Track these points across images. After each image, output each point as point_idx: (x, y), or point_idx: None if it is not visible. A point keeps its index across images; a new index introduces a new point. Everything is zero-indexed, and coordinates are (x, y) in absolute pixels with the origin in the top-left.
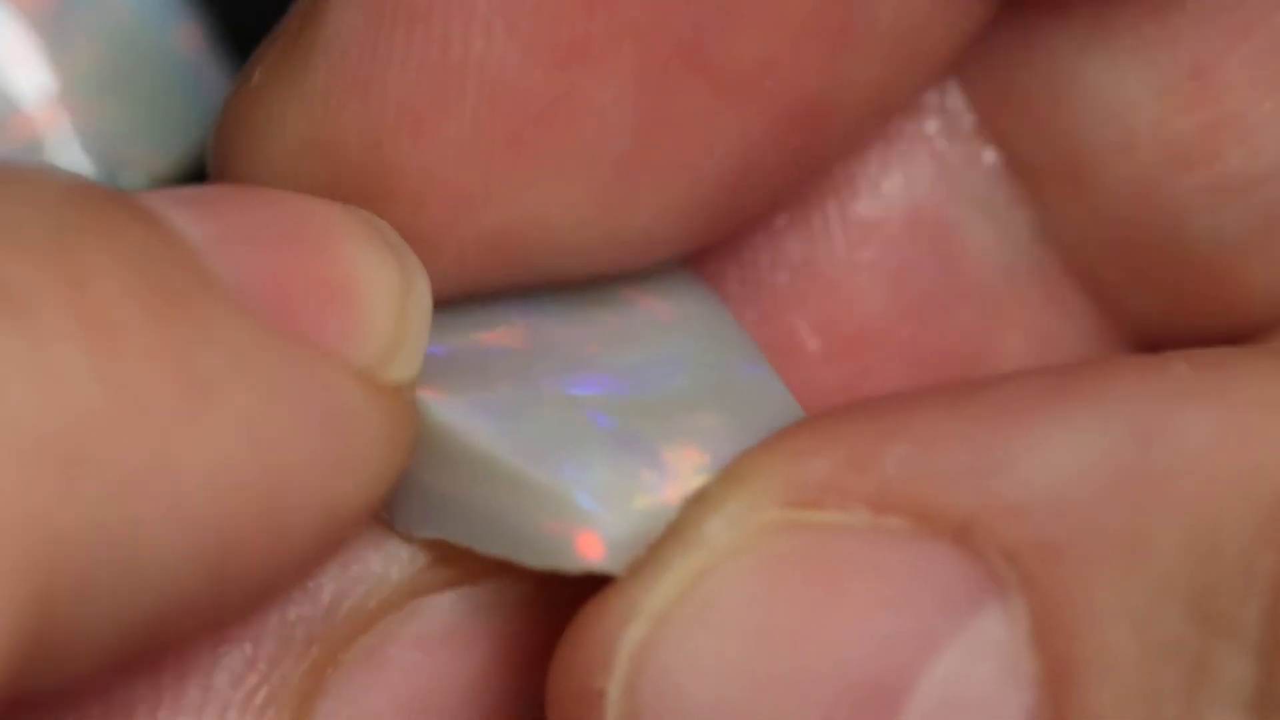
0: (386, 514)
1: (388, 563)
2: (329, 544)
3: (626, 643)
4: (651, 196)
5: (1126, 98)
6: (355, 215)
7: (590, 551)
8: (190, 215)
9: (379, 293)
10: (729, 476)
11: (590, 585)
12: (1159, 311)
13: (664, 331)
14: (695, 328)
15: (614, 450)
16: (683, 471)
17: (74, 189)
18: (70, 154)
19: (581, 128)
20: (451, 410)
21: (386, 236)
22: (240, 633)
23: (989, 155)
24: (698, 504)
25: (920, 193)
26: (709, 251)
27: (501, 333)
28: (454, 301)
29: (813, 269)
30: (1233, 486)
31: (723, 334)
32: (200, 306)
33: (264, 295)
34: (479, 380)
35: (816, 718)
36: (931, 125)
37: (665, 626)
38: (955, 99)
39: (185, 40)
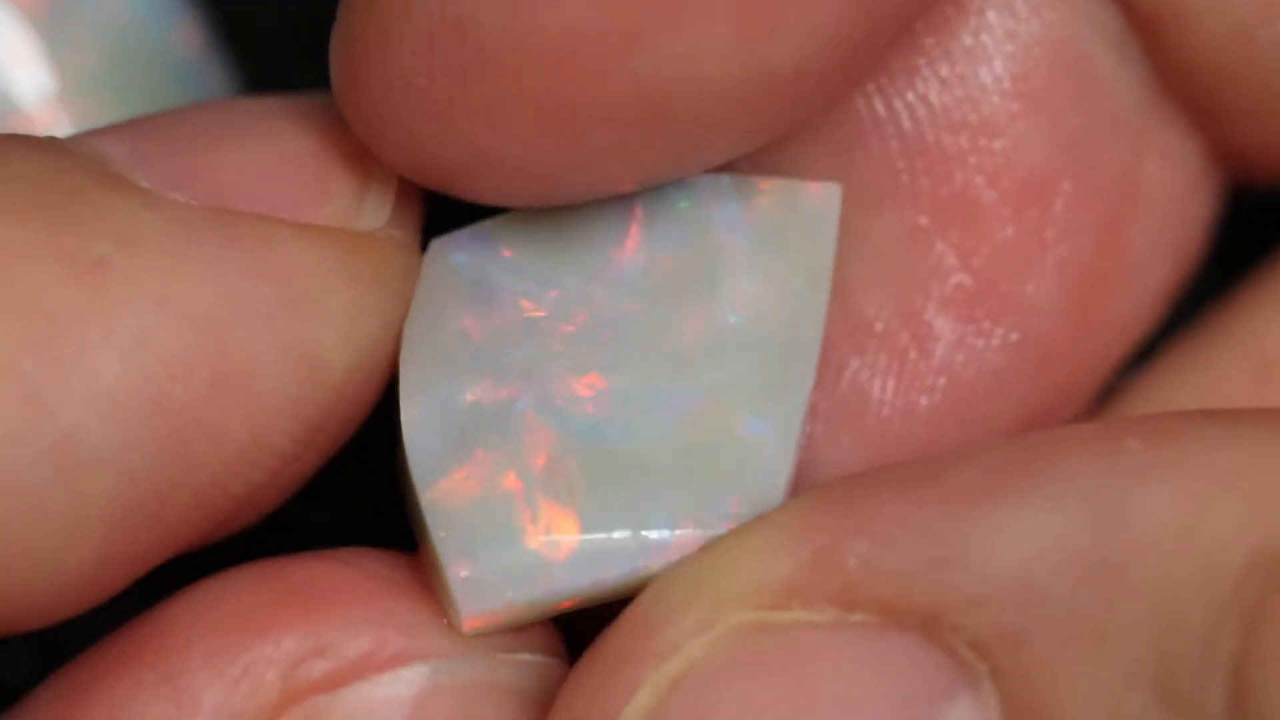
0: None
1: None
2: (326, 388)
3: None
4: (799, 17)
5: None
6: (302, 101)
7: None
8: (107, 137)
9: (330, 159)
10: (694, 579)
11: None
12: (1259, 148)
13: (708, 352)
14: (748, 353)
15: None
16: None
17: None
18: None
19: None
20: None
21: (328, 108)
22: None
23: None
24: (662, 609)
25: (1053, 30)
26: (867, 127)
27: (543, 304)
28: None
29: (972, 123)
30: (1190, 565)
31: (773, 365)
32: (98, 203)
33: (188, 184)
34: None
35: None
36: None
37: None
38: None
39: (185, 40)
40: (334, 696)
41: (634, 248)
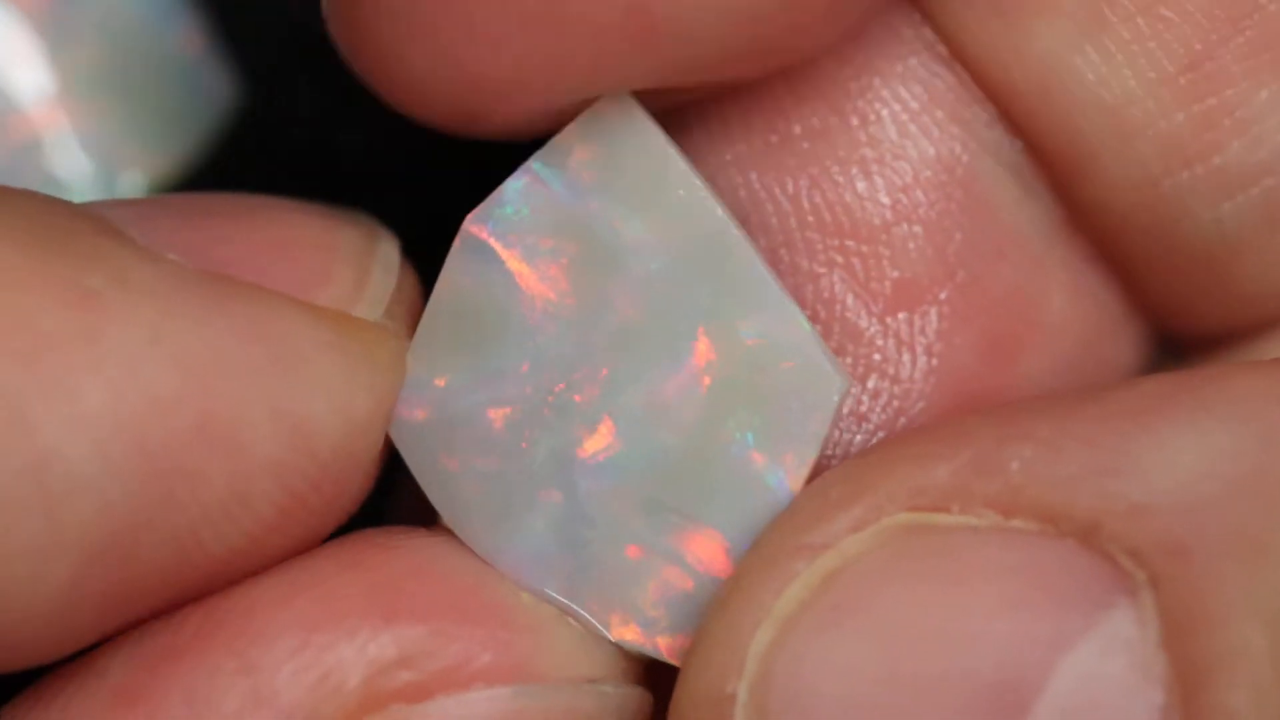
0: None
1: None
2: (312, 458)
3: (756, 645)
4: None
5: (1122, 93)
6: (306, 203)
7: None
8: (110, 204)
9: (332, 250)
10: (852, 481)
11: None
12: (1167, 297)
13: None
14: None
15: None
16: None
17: None
18: (69, 154)
19: None
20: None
21: (348, 214)
22: None
23: (1006, 122)
24: (820, 506)
25: (945, 150)
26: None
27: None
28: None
29: (844, 231)
30: None
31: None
32: (96, 246)
33: (187, 252)
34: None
35: (948, 718)
36: (947, 87)
37: (794, 629)
38: (960, 69)
39: (185, 40)
40: (415, 708)
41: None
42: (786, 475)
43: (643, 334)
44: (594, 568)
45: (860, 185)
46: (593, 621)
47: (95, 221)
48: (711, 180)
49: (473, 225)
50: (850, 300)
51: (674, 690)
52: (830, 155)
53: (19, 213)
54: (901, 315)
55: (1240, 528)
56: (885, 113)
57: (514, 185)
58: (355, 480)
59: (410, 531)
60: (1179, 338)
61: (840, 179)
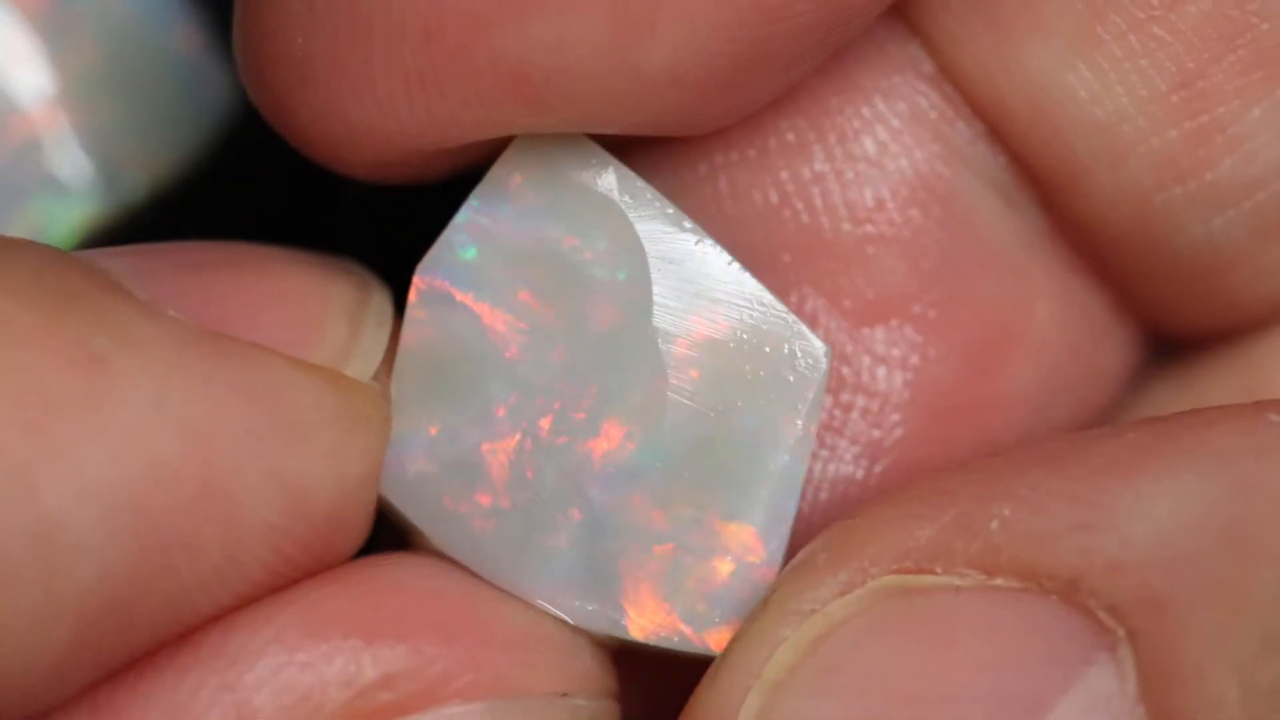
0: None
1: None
2: (305, 521)
3: (747, 711)
4: (673, 26)
5: (1114, 110)
6: (302, 253)
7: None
8: (109, 254)
9: (325, 303)
10: (837, 545)
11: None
12: (1159, 304)
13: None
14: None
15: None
16: None
17: None
18: (69, 154)
19: None
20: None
21: (341, 264)
22: None
23: (991, 138)
24: (807, 573)
25: (925, 167)
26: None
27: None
28: (476, 147)
29: (817, 247)
30: None
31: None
32: (99, 304)
33: (185, 307)
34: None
35: None
36: (929, 104)
37: (784, 693)
38: (948, 86)
39: (185, 40)
40: None
41: None
42: (793, 450)
43: (624, 340)
44: (626, 576)
45: (836, 201)
46: (633, 636)
47: (98, 277)
48: (688, 193)
49: (424, 276)
50: (821, 315)
51: None
52: (808, 170)
53: (24, 266)
54: (877, 329)
55: (1215, 581)
56: (865, 129)
57: (458, 227)
58: (346, 540)
59: (391, 554)
60: (1170, 339)
61: (816, 194)
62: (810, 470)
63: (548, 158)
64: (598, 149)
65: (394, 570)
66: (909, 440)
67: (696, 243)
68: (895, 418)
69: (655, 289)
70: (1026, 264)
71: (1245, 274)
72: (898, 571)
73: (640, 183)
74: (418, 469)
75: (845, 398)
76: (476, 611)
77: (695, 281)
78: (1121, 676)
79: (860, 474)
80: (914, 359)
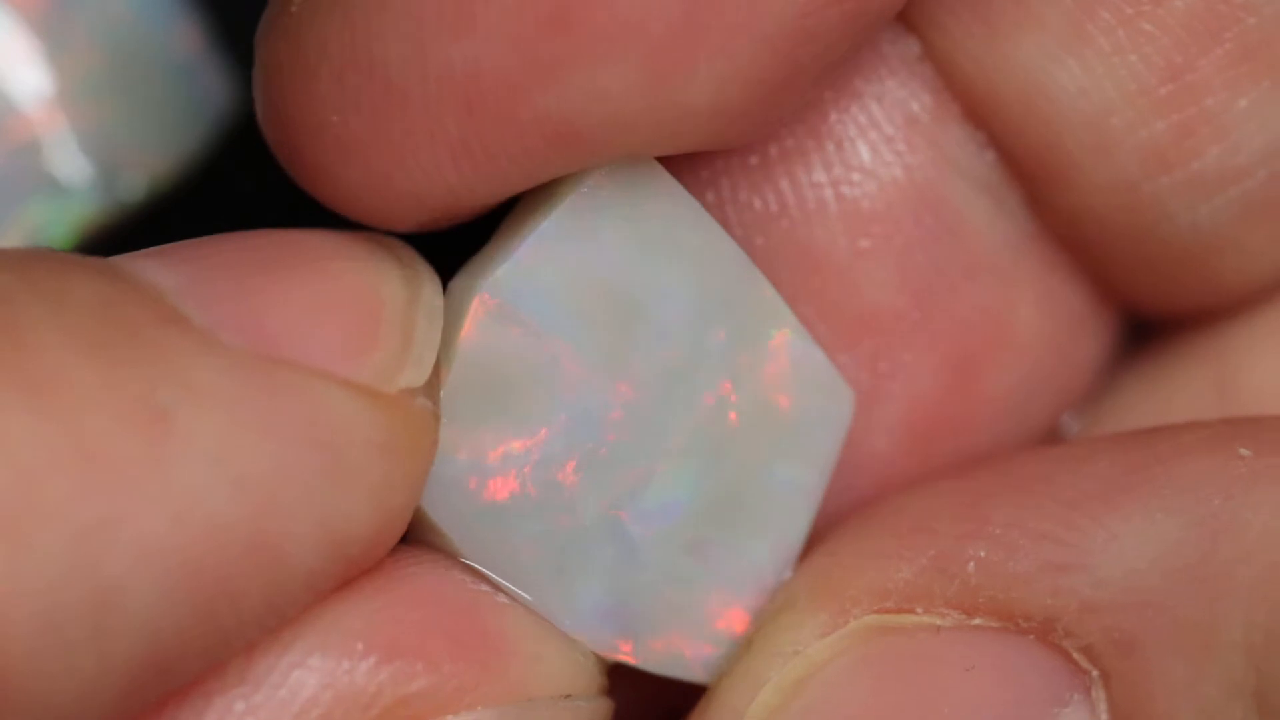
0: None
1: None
2: (345, 561)
3: None
4: (710, 61)
5: (1102, 103)
6: (347, 238)
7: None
8: (160, 265)
9: (377, 304)
10: (818, 586)
11: None
12: (1142, 290)
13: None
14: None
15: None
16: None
17: (15, 256)
18: (68, 155)
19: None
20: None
21: (389, 249)
22: None
23: (980, 137)
24: (789, 615)
25: (918, 174)
26: None
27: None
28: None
29: (811, 255)
30: None
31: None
32: (159, 344)
33: (241, 327)
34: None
35: None
36: (921, 109)
37: None
38: (940, 84)
39: (185, 40)
40: None
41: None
42: (810, 489)
43: (678, 381)
44: (651, 611)
45: (833, 212)
46: (650, 669)
47: (156, 305)
48: None
49: (492, 293)
50: (814, 324)
51: None
52: (807, 180)
53: (83, 305)
54: (867, 342)
55: (1185, 622)
56: (860, 136)
57: (527, 252)
58: (377, 559)
59: (404, 558)
60: (1152, 320)
61: (814, 205)
62: None
63: (620, 188)
64: (671, 180)
65: (408, 579)
66: (893, 451)
67: (756, 286)
68: (881, 428)
69: (706, 329)
70: (1012, 268)
71: (1229, 259)
72: (879, 611)
73: (709, 219)
74: (463, 487)
75: None
76: (486, 620)
77: (745, 320)
78: (1095, 716)
79: (843, 485)
80: (901, 371)
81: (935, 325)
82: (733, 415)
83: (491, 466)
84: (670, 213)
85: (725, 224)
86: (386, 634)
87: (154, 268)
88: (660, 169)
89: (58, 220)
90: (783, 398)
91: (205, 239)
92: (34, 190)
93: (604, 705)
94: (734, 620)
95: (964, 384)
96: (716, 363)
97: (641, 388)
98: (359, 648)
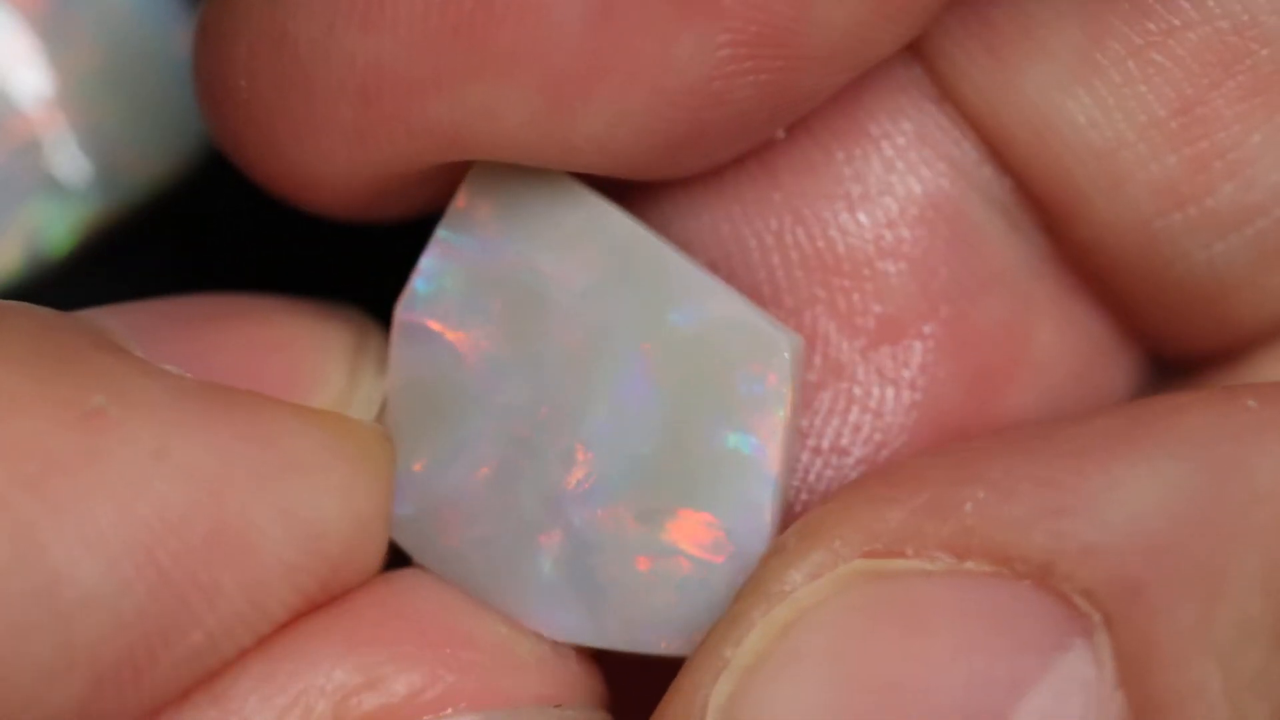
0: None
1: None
2: (323, 557)
3: (716, 697)
4: (605, 102)
5: (1113, 135)
6: (296, 301)
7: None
8: (105, 313)
9: (325, 350)
10: (807, 530)
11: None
12: (1160, 328)
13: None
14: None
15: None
16: None
17: None
18: (68, 155)
19: (531, 21)
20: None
21: (338, 309)
22: None
23: (995, 163)
24: (778, 558)
25: (932, 185)
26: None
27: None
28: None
29: (827, 267)
30: None
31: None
32: (96, 362)
33: (184, 363)
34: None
35: None
36: (936, 126)
37: (753, 679)
38: (951, 107)
39: (185, 40)
40: None
41: None
42: (762, 442)
43: (587, 356)
44: (608, 589)
45: (845, 220)
46: (615, 646)
47: (93, 336)
48: (696, 216)
49: (404, 313)
50: (833, 335)
51: None
52: (816, 191)
53: (19, 332)
54: (884, 350)
55: (1193, 564)
56: (873, 149)
57: (429, 261)
58: (362, 576)
59: (391, 573)
60: (1173, 361)
61: (826, 215)
62: (816, 486)
63: (508, 181)
64: (556, 174)
65: (376, 582)
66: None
67: (651, 247)
68: (901, 439)
69: (618, 305)
70: (1030, 287)
71: (1247, 299)
72: (867, 555)
73: (597, 198)
74: (410, 506)
75: (854, 418)
76: (458, 620)
77: (653, 286)
78: (1099, 663)
79: None
80: (921, 379)
81: (954, 335)
82: (658, 380)
83: (430, 482)
84: (563, 201)
85: (738, 237)
86: (369, 638)
87: (96, 314)
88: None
89: (58, 220)
90: (707, 360)
91: (152, 300)
92: (34, 190)
93: (600, 718)
94: (695, 585)
95: (982, 397)
96: (629, 334)
97: (553, 373)
98: (323, 640)
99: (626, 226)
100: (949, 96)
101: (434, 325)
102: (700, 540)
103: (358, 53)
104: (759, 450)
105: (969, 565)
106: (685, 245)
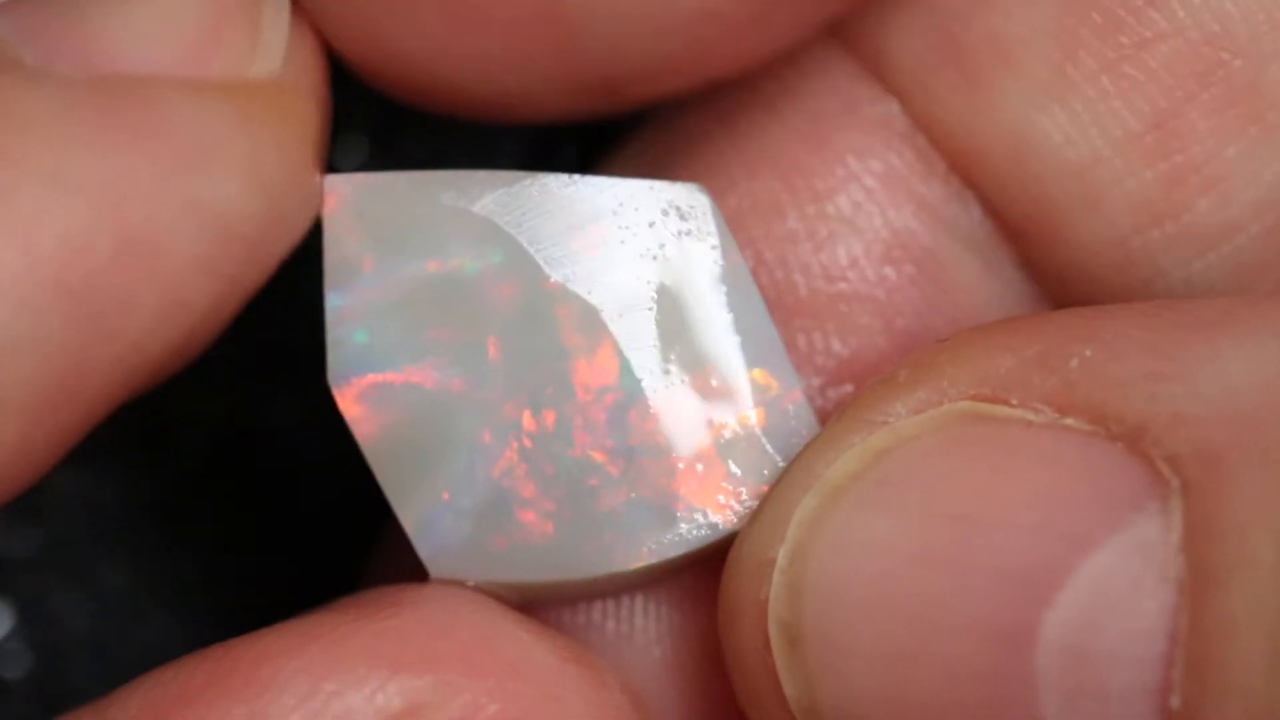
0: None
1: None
2: (239, 240)
3: (801, 512)
4: None
5: (1088, 151)
6: None
7: None
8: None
9: (217, 5)
10: (921, 365)
11: None
12: None
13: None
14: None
15: None
16: None
17: None
18: None
19: None
20: None
21: None
22: None
23: (966, 195)
24: (885, 389)
25: (899, 224)
26: None
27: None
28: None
29: (789, 305)
30: None
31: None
32: None
33: (76, 55)
34: None
35: (972, 601)
36: (903, 163)
37: (839, 500)
38: (923, 143)
39: None
40: None
41: None
42: (730, 281)
43: (536, 302)
44: (686, 489)
45: (809, 260)
46: (726, 530)
47: None
48: None
49: (345, 385)
50: (799, 373)
51: (729, 554)
52: (781, 230)
53: None
54: (846, 389)
55: (1270, 441)
56: (839, 188)
57: (335, 322)
58: (284, 244)
59: (416, 586)
60: None
61: (789, 254)
62: None
63: (361, 206)
64: (395, 175)
65: (421, 604)
66: None
67: (533, 184)
68: None
69: (529, 247)
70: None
71: None
72: (974, 398)
73: (450, 173)
74: (455, 536)
75: None
76: (503, 646)
77: (557, 214)
78: (1167, 527)
79: None
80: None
81: None
82: (611, 286)
83: (462, 502)
84: (422, 193)
85: None
86: (396, 649)
87: None
88: (388, 175)
89: None
90: (638, 240)
91: None
92: None
93: None
94: (760, 435)
95: None
96: (560, 262)
97: (512, 334)
98: (367, 659)
99: (497, 177)
100: (922, 125)
101: (380, 378)
102: (744, 394)
103: None
104: (737, 292)
105: (1068, 421)
106: None
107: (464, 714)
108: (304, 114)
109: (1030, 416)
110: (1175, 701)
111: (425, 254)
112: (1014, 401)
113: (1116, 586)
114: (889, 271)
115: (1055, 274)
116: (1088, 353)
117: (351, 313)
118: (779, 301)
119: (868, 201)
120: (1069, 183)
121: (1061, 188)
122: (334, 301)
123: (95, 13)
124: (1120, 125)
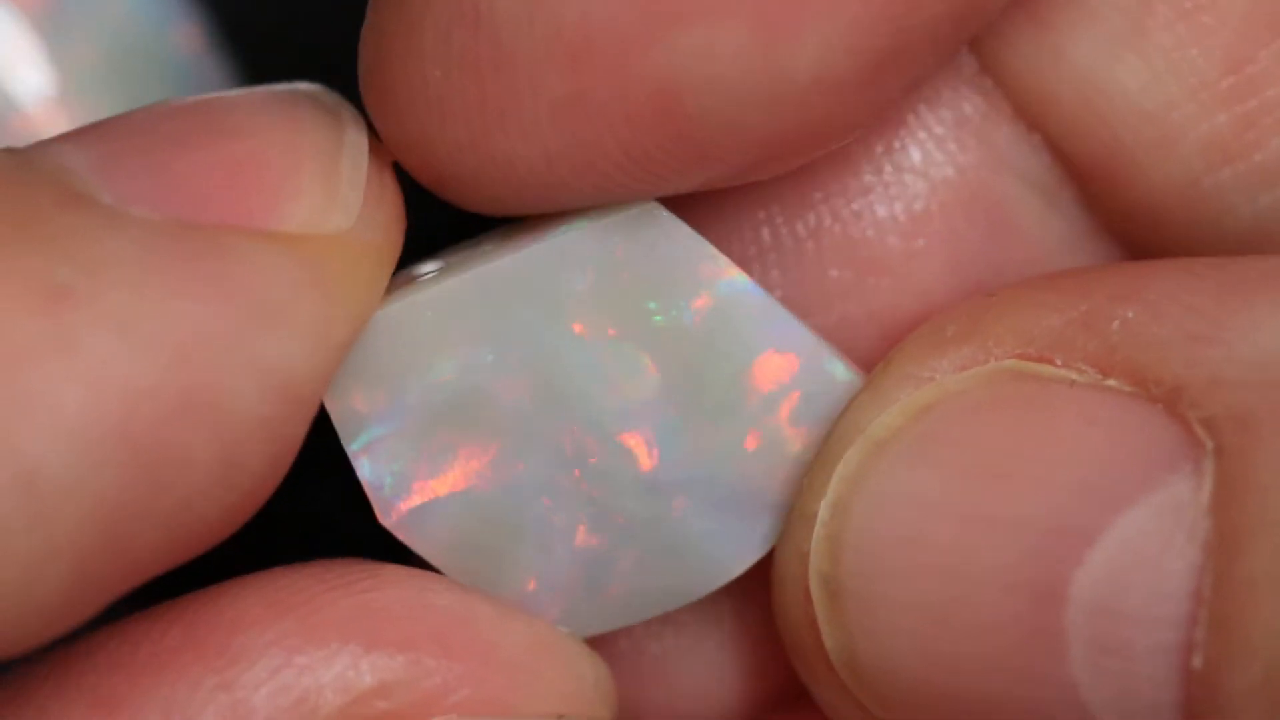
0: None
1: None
2: (296, 402)
3: (845, 464)
4: (816, 26)
5: (1163, 99)
6: (262, 94)
7: None
8: (70, 146)
9: (296, 156)
10: (968, 321)
11: None
12: None
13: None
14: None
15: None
16: None
17: None
18: None
19: None
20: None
21: (309, 97)
22: None
23: (1035, 137)
24: (931, 343)
25: (970, 173)
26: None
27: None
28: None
29: (864, 259)
30: None
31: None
32: (59, 226)
33: (152, 198)
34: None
35: (1008, 556)
36: (972, 109)
37: (883, 453)
38: (990, 85)
39: (185, 40)
40: None
41: None
42: (728, 281)
43: (546, 398)
44: (752, 493)
45: (880, 212)
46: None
47: (55, 188)
48: (739, 213)
49: (396, 517)
50: (864, 329)
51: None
52: (856, 183)
53: None
54: None
55: None
56: (910, 138)
57: (369, 470)
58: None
59: (397, 566)
60: None
61: (864, 207)
62: None
63: (351, 357)
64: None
65: (400, 581)
66: None
67: (479, 275)
68: None
69: (514, 341)
70: (1067, 266)
71: None
72: (1019, 357)
73: (411, 296)
74: (557, 610)
75: None
76: (478, 628)
77: (539, 295)
78: (1198, 488)
79: None
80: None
81: None
82: (611, 331)
83: (537, 594)
84: (391, 329)
85: (776, 233)
86: (370, 626)
87: (64, 149)
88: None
89: None
90: (629, 278)
91: (119, 115)
92: None
93: None
94: (799, 404)
95: None
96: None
97: (540, 414)
98: (340, 634)
99: (456, 291)
100: (992, 70)
101: (425, 497)
102: (778, 372)
103: (567, 14)
104: (741, 291)
105: (1110, 383)
106: (723, 246)
107: (434, 696)
108: (374, 271)
109: (1074, 376)
110: (1197, 661)
111: (422, 376)
112: (1058, 362)
113: (1147, 546)
114: (961, 223)
115: (1122, 214)
116: (1130, 314)
117: (377, 452)
118: (855, 258)
119: (938, 150)
120: (1143, 128)
121: (1134, 133)
122: (355, 448)
123: (176, 154)
124: (1195, 73)
